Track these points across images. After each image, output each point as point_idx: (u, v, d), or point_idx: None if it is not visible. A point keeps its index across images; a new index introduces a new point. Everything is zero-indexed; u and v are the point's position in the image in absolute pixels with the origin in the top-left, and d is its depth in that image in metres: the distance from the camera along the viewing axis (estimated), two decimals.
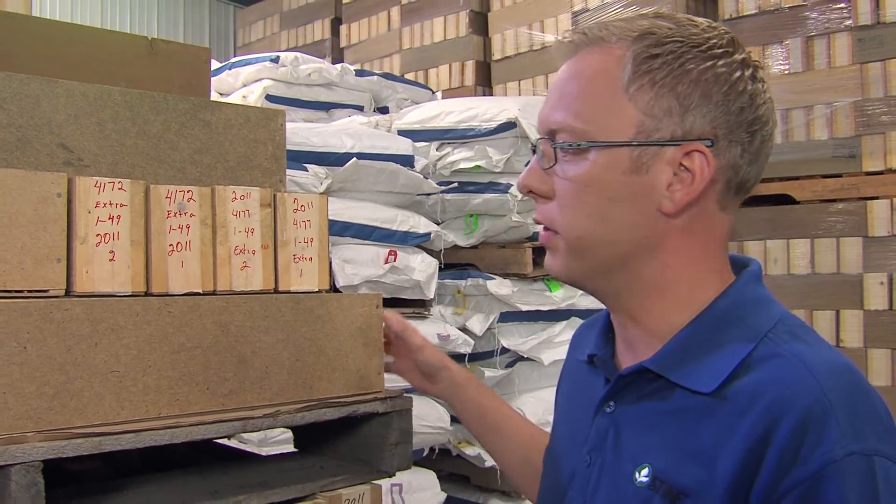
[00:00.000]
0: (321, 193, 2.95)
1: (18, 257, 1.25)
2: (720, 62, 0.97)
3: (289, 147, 2.95)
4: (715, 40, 0.98)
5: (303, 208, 1.53)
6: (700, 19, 1.01)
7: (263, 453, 1.93)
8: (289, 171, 2.89)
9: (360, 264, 3.00)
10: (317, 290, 1.54)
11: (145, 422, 1.27)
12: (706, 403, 0.95)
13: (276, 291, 1.50)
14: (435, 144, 3.54)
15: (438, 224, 3.45)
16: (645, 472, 0.97)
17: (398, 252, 3.13)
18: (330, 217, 2.96)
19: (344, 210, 3.03)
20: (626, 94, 0.97)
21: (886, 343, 3.93)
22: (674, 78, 0.96)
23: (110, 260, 1.33)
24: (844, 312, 4.03)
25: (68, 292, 1.30)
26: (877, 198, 3.97)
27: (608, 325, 1.12)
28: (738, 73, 0.98)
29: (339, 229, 3.00)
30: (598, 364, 1.10)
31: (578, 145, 0.98)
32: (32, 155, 1.37)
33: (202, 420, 1.30)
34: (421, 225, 3.19)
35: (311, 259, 1.54)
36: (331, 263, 2.97)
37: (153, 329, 1.32)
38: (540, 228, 1.06)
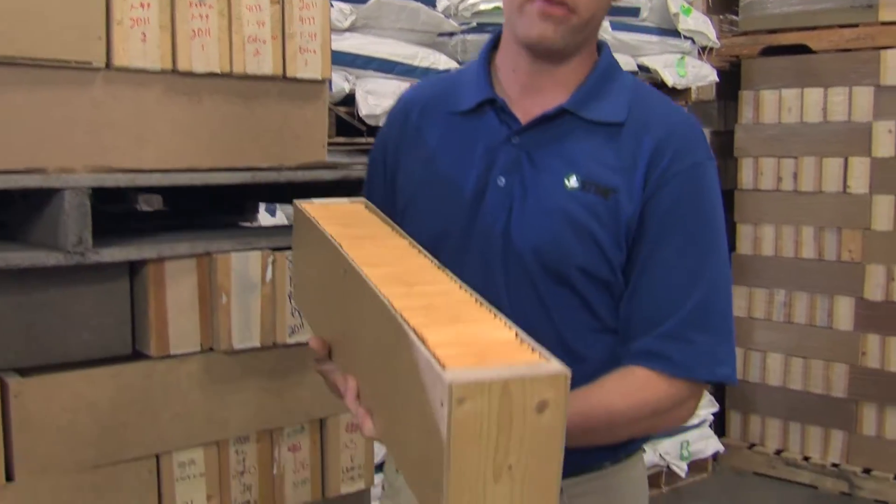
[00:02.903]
0: (345, 29, 3.18)
1: (66, 33, 1.51)
2: None
3: None
4: None
5: (308, 7, 1.76)
6: None
7: None
8: None
9: (382, 96, 3.24)
10: (320, 78, 1.79)
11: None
12: (610, 131, 1.28)
13: (284, 77, 1.76)
14: None
15: (460, 64, 3.66)
16: (573, 179, 1.26)
17: None
18: (354, 51, 3.23)
19: (367, 45, 3.25)
20: None
21: (891, 189, 4.10)
22: None
23: (142, 40, 1.59)
24: (853, 160, 4.20)
25: (108, 65, 1.57)
26: (892, 47, 4.08)
27: (489, 81, 1.35)
28: None
29: (363, 63, 3.24)
30: (495, 108, 1.33)
31: None
32: None
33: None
34: (441, 62, 3.40)
35: (314, 52, 1.79)
36: (355, 94, 3.22)
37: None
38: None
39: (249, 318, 1.62)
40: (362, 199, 1.39)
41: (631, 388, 1.24)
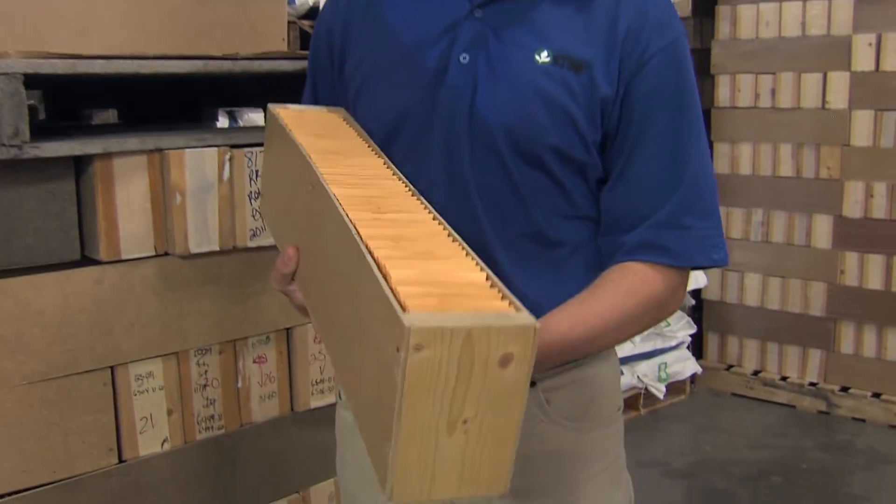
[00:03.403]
0: None
1: None
2: None
3: None
4: None
5: None
6: None
7: None
8: None
9: None
10: None
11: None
12: (580, 4, 1.18)
13: None
14: None
15: None
16: (545, 53, 1.17)
17: None
18: None
19: None
20: None
21: (870, 104, 4.03)
22: None
23: None
24: (832, 74, 4.11)
25: None
26: None
27: None
28: None
29: None
30: None
31: None
32: None
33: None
34: None
35: None
36: (319, 7, 3.08)
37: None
38: None
39: (206, 219, 1.52)
40: (341, 108, 1.29)
41: (634, 284, 1.18)
